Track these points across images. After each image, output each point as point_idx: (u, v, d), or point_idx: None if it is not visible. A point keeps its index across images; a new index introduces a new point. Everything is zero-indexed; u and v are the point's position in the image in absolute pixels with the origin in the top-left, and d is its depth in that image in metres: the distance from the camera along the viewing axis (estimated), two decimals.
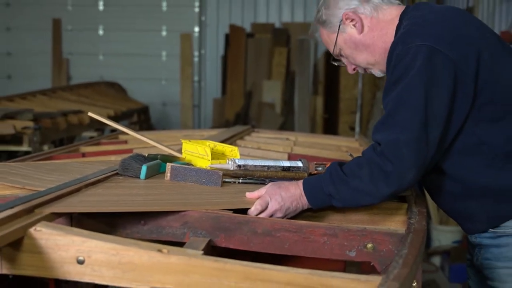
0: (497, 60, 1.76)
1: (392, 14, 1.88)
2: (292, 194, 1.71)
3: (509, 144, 1.74)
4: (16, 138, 4.51)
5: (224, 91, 9.48)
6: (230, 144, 2.48)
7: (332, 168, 1.72)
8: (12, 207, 1.40)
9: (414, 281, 1.40)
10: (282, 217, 1.69)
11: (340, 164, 1.74)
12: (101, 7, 9.98)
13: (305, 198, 1.71)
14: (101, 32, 10.04)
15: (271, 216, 1.68)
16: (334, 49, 1.95)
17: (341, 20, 1.88)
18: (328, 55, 8.70)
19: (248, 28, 9.55)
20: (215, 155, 2.09)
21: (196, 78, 9.96)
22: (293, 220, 1.67)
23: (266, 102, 8.98)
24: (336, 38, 1.91)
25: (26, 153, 4.27)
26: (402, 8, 1.89)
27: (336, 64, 2.04)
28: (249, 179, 1.95)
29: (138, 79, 9.69)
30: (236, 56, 9.36)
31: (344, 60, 1.97)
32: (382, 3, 1.89)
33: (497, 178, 1.76)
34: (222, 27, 9.75)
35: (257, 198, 1.71)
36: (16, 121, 4.52)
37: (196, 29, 9.94)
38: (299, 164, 2.03)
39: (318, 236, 1.55)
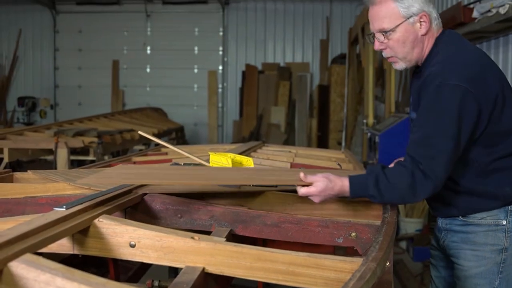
0: (505, 102, 1.72)
1: (436, 34, 1.80)
2: (335, 194, 1.63)
3: (492, 164, 1.73)
4: (84, 150, 4.56)
5: (241, 114, 9.50)
6: (246, 155, 2.47)
7: (379, 175, 1.62)
8: (81, 203, 1.41)
9: (388, 261, 1.39)
10: None
11: (384, 170, 1.63)
12: (148, 51, 10.07)
13: (347, 194, 1.63)
14: (148, 69, 10.11)
15: None
16: (383, 25, 1.73)
17: (416, 14, 1.73)
18: (320, 88, 8.74)
19: (259, 66, 9.60)
20: (235, 164, 2.09)
21: (220, 105, 10.00)
22: (294, 215, 1.65)
23: (273, 123, 8.98)
24: (400, 23, 1.73)
25: (92, 161, 4.29)
26: (440, 31, 1.80)
27: (367, 39, 1.84)
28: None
29: (176, 105, 9.73)
30: (250, 88, 9.38)
31: (378, 37, 1.77)
32: (440, 24, 1.81)
33: (480, 185, 1.75)
34: (240, 66, 9.81)
35: (306, 184, 1.61)
36: (84, 137, 4.56)
37: (220, 67, 9.99)
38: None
39: (314, 227, 1.54)
